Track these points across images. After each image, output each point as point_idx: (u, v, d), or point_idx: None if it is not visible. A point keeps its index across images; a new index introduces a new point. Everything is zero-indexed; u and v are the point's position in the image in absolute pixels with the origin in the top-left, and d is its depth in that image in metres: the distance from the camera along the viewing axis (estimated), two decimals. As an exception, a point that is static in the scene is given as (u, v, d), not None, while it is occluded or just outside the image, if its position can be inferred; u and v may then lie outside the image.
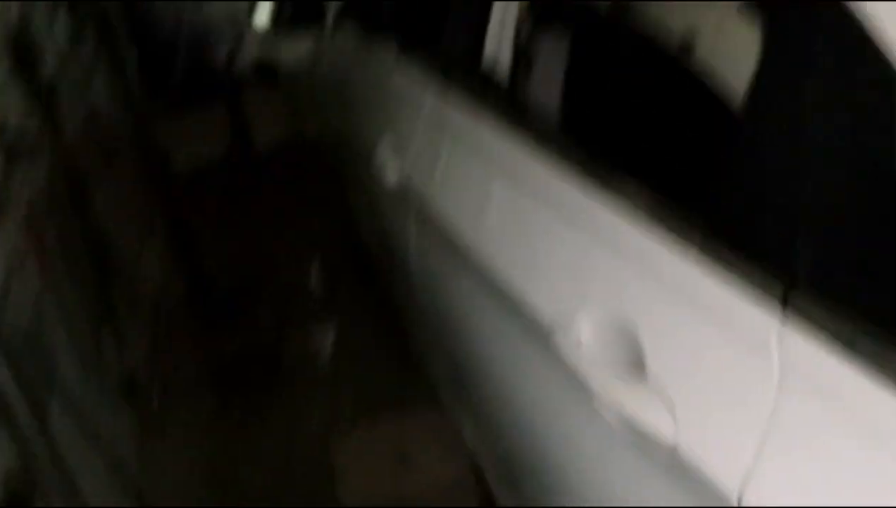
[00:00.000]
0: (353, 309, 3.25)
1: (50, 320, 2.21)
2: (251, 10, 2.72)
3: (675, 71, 1.59)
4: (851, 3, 0.83)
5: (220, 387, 3.10)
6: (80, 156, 2.85)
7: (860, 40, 0.81)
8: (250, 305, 3.42)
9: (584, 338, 1.12)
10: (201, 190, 4.13)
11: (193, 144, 4.40)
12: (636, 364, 1.03)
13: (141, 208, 3.57)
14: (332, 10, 2.64)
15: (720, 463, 0.89)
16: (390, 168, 1.97)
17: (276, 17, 2.65)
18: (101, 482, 2.22)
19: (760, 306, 0.88)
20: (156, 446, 2.78)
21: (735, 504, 0.86)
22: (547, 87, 1.75)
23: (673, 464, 0.96)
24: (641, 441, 1.01)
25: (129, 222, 3.33)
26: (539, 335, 1.25)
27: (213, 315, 3.37)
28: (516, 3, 1.65)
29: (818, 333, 0.82)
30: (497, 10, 1.63)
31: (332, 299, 3.38)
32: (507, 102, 1.61)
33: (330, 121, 3.09)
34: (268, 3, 2.70)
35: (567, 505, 1.30)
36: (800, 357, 0.84)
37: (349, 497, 2.42)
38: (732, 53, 1.54)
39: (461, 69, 1.72)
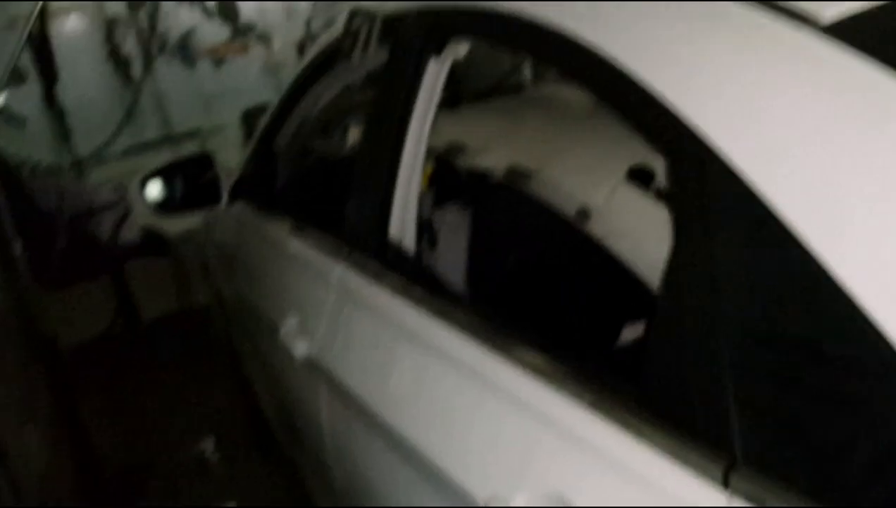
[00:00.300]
0: (253, 486, 3.12)
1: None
2: (140, 190, 2.57)
3: (573, 237, 1.65)
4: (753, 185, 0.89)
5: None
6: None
7: (764, 220, 0.87)
8: (145, 484, 3.24)
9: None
10: (87, 365, 3.97)
11: (78, 319, 4.25)
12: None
13: (22, 390, 3.39)
14: (225, 189, 2.59)
15: None
16: (297, 340, 1.94)
17: (168, 200, 2.53)
18: None
19: (703, 484, 0.89)
20: None
21: None
22: (452, 255, 1.79)
23: None
24: None
25: (7, 406, 3.14)
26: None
27: (105, 501, 3.17)
28: (418, 175, 1.70)
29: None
30: (401, 184, 1.67)
31: (232, 476, 3.24)
32: (414, 272, 1.64)
33: (224, 292, 3.04)
34: (156, 184, 2.56)
35: None
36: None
37: None
38: (627, 220, 1.62)
39: (368, 242, 1.74)
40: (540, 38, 1.25)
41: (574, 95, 2.20)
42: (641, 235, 1.52)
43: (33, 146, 4.93)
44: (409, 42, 1.65)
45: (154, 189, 2.58)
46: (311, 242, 2.06)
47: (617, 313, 1.58)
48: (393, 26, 1.74)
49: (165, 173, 2.55)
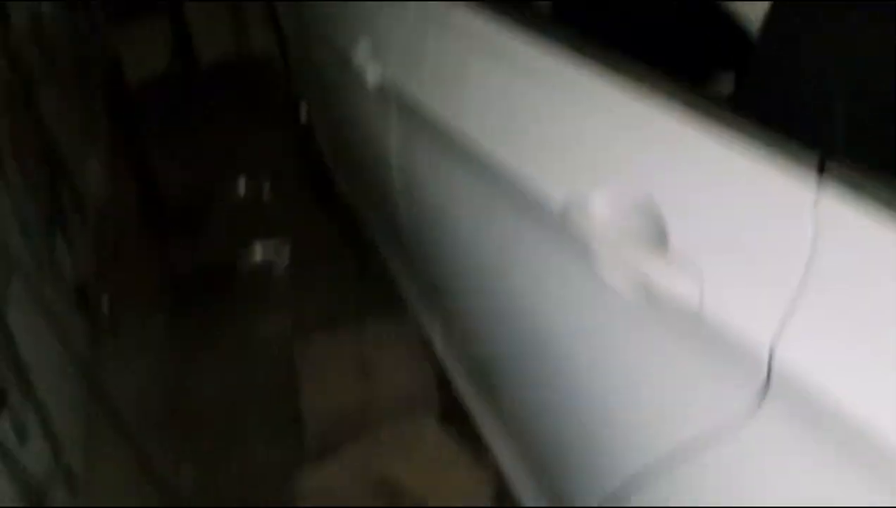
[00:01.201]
0: (309, 224, 3.21)
1: (2, 211, 2.14)
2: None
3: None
4: None
5: (175, 299, 3.05)
6: (23, 56, 2.73)
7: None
8: (203, 219, 3.35)
9: (599, 213, 1.12)
10: (147, 105, 4.00)
11: (137, 58, 4.24)
12: (658, 235, 1.04)
13: (86, 114, 3.45)
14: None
15: (751, 325, 0.91)
16: (370, 66, 1.92)
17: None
18: (55, 377, 2.17)
19: (796, 175, 0.89)
20: (110, 356, 2.72)
21: (766, 363, 0.88)
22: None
23: (696, 330, 0.97)
24: (660, 311, 1.02)
25: (73, 128, 3.21)
26: (541, 217, 1.25)
27: (166, 229, 3.29)
28: None
29: (854, 197, 0.84)
30: None
31: (287, 214, 3.33)
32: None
33: (288, 30, 3.00)
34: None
35: (560, 393, 1.32)
36: (836, 222, 0.86)
37: (310, 407, 2.42)
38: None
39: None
40: None
41: None
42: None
43: None
44: None
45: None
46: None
47: (710, 56, 1.54)
48: None
49: None
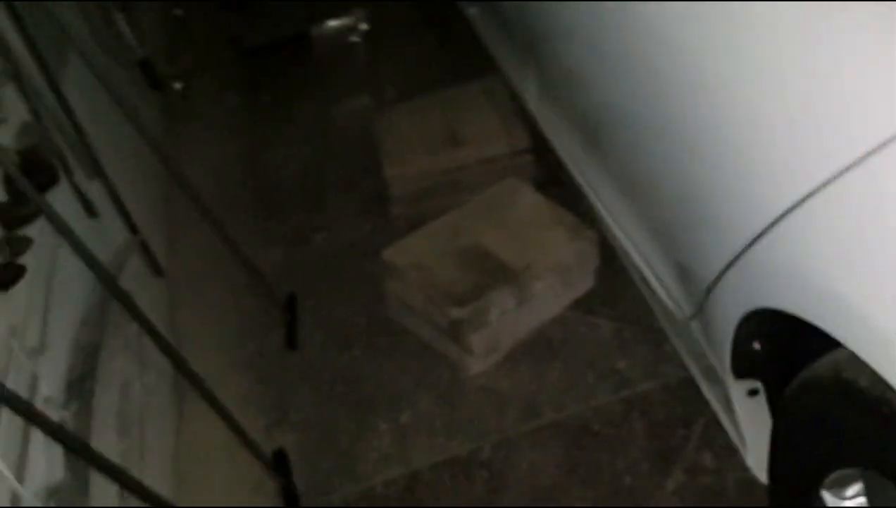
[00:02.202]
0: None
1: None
2: None
3: None
4: None
5: (248, 75, 2.87)
6: None
7: None
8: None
9: None
10: None
11: None
12: None
13: None
14: None
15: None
16: None
17: None
18: (126, 158, 2.05)
19: None
20: (183, 130, 2.60)
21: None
22: None
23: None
24: None
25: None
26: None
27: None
28: None
29: None
30: None
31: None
32: None
33: None
34: None
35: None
36: None
37: (395, 181, 2.25)
38: None
39: None
40: None
41: None
42: None
43: None
44: None
45: None
46: None
47: None
48: None
49: None
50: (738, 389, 1.17)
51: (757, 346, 1.12)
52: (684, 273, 1.26)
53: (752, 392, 1.18)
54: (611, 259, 1.95)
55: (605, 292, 1.97)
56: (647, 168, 1.32)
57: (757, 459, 1.23)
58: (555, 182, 2.25)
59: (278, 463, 1.80)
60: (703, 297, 1.18)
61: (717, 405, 1.32)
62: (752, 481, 1.52)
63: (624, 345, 1.85)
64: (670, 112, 1.15)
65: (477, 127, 2.25)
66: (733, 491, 1.53)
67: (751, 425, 1.21)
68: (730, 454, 1.58)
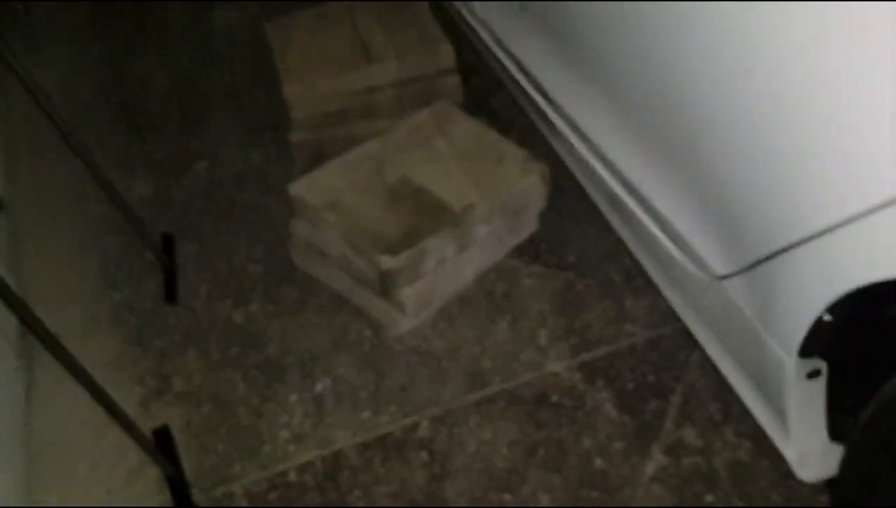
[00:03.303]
0: None
1: None
2: None
3: None
4: None
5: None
6: None
7: None
8: None
9: None
10: None
11: None
12: None
13: None
14: None
15: None
16: None
17: None
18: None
19: None
20: (28, 50, 2.15)
21: None
22: None
23: None
24: None
25: None
26: None
27: None
28: None
29: None
30: None
31: None
32: None
33: None
34: None
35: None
36: None
37: (295, 101, 1.88)
38: None
39: None
40: None
41: None
42: None
43: None
44: None
45: None
46: None
47: None
48: None
49: None
50: (798, 369, 0.93)
51: (828, 317, 0.88)
52: (726, 229, 1.00)
53: (812, 374, 0.94)
54: (554, 198, 1.68)
55: (551, 237, 1.69)
56: (695, 112, 1.03)
57: (801, 455, 1.00)
58: (486, 109, 1.95)
59: (160, 444, 1.45)
60: (754, 259, 0.92)
61: (743, 383, 1.08)
62: (746, 463, 1.31)
63: (578, 300, 1.58)
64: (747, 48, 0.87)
65: (393, 40, 1.90)
66: (725, 475, 1.30)
67: (804, 412, 0.97)
68: (715, 429, 1.35)
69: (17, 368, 1.54)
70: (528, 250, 1.68)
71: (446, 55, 1.87)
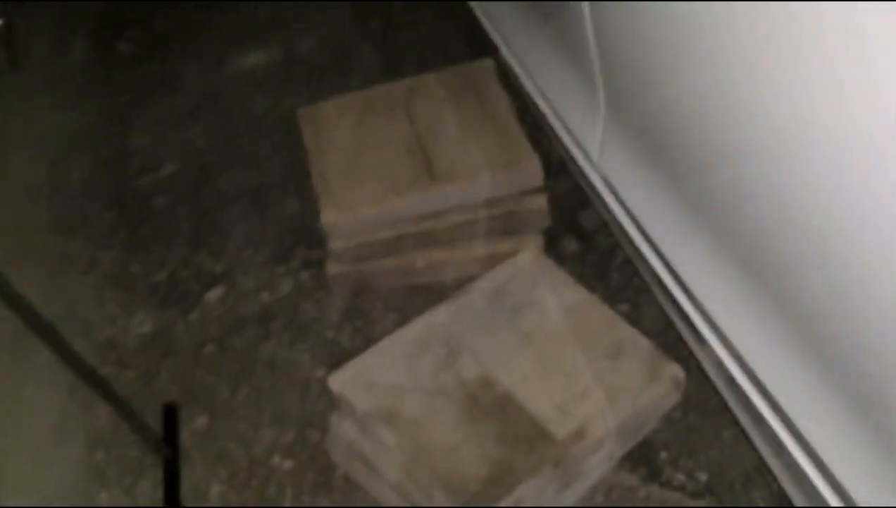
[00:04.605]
0: None
1: None
2: None
3: None
4: None
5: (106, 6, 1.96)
6: None
7: None
8: None
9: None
10: None
11: None
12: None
13: None
14: None
15: None
16: None
17: None
18: None
19: None
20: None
21: None
22: None
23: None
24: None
25: None
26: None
27: None
28: None
29: None
30: None
31: None
32: None
33: None
34: None
35: None
36: None
37: (334, 222, 1.45)
38: None
39: None
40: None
41: None
42: None
43: None
44: None
45: None
46: None
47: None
48: None
49: None
50: None
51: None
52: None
53: None
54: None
55: (674, 441, 1.27)
56: None
57: None
58: (577, 233, 1.52)
59: None
60: None
61: None
62: None
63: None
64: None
65: (465, 145, 1.46)
66: None
67: None
68: None
69: None
70: (643, 459, 1.26)
71: (534, 171, 1.43)
